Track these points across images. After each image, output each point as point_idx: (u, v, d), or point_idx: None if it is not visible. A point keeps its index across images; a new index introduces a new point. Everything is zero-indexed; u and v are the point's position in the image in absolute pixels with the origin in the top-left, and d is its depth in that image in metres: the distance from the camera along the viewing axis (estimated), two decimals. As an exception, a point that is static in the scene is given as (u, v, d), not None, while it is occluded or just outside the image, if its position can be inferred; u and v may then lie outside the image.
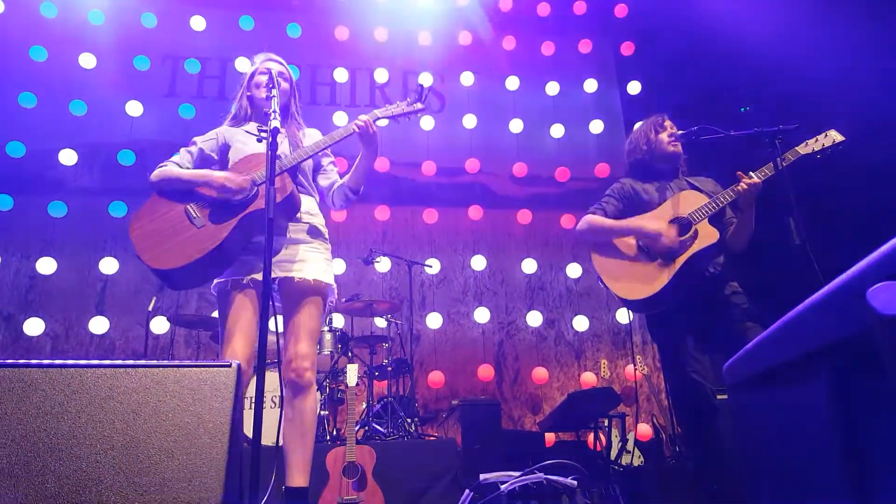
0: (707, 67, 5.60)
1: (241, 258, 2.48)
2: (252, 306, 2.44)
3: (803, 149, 2.75)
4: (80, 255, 5.74)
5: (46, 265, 5.54)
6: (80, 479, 1.53)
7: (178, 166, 2.58)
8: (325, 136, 2.63)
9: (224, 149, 2.66)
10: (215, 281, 2.52)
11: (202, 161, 2.66)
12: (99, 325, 5.47)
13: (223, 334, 2.44)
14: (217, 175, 2.49)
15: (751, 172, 2.75)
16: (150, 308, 4.76)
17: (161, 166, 2.57)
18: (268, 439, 3.40)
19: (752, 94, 5.14)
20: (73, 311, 5.61)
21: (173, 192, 2.49)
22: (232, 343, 2.37)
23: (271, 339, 2.49)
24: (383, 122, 2.74)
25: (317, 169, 2.80)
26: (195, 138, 2.71)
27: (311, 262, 2.54)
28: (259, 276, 2.43)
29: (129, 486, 1.54)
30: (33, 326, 5.37)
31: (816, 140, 2.76)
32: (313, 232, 2.62)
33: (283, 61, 2.80)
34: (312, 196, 2.71)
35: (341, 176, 2.80)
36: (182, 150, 2.67)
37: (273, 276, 2.47)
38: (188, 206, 2.44)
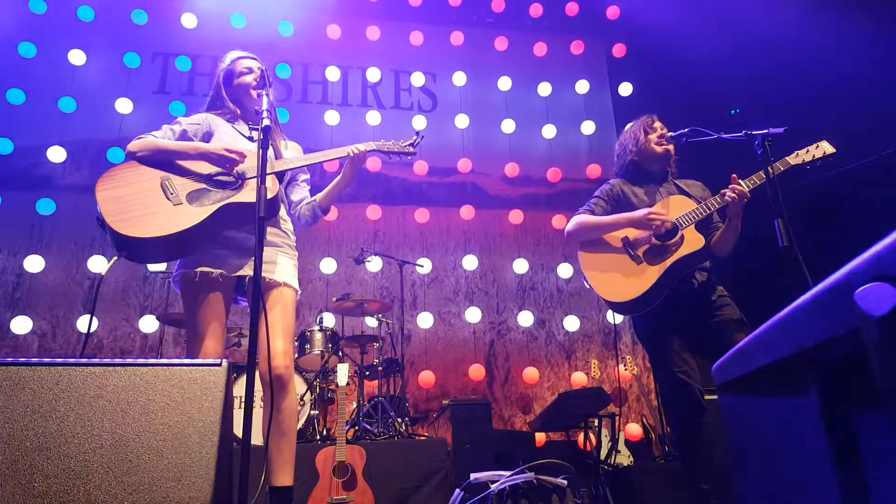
0: (698, 70, 5.63)
1: (212, 250, 2.42)
2: (222, 304, 2.43)
3: (793, 159, 2.74)
4: (68, 252, 5.70)
5: (34, 263, 5.50)
6: (68, 477, 1.52)
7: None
8: (322, 151, 2.65)
9: (207, 136, 2.61)
10: (177, 269, 2.47)
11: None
12: (87, 323, 5.42)
13: (191, 329, 2.41)
14: (213, 146, 2.45)
15: (740, 181, 2.74)
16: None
17: (140, 137, 2.49)
18: (256, 439, 3.39)
19: (742, 96, 5.17)
20: (60, 309, 5.57)
21: (153, 162, 2.42)
22: (204, 343, 2.37)
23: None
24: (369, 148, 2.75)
25: (292, 181, 2.79)
26: (180, 118, 2.65)
27: (282, 265, 2.54)
28: (233, 273, 2.44)
29: (117, 485, 1.53)
30: (20, 324, 5.32)
31: (807, 151, 2.75)
32: (284, 237, 2.62)
33: (257, 58, 2.74)
34: (283, 203, 2.71)
35: (311, 194, 2.81)
36: (165, 126, 2.60)
37: (242, 273, 2.46)
38: (165, 181, 2.38)
